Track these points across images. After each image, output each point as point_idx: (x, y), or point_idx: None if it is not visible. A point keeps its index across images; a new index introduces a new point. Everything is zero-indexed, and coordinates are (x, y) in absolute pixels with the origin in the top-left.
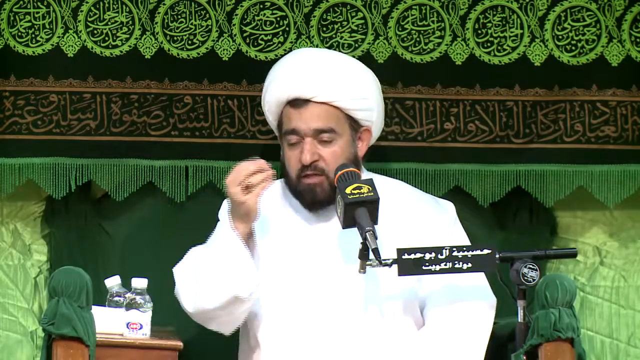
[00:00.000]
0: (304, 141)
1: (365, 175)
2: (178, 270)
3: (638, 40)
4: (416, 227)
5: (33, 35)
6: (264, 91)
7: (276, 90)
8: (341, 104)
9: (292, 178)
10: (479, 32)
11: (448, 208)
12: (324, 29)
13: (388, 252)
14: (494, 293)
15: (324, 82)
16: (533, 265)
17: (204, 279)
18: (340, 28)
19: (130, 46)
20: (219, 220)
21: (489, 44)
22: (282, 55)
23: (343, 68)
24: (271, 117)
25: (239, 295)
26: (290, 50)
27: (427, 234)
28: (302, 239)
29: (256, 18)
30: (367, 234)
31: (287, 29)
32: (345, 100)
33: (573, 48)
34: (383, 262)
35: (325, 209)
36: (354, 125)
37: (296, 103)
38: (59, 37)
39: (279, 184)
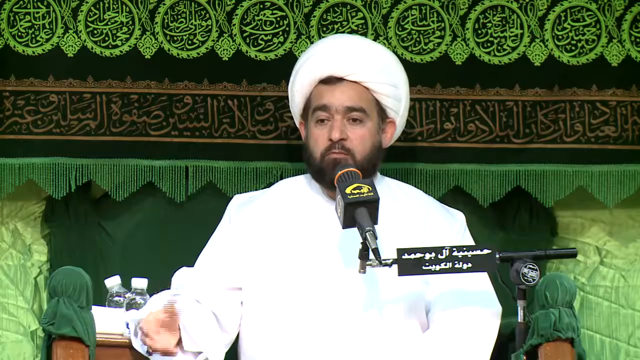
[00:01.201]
0: (333, 119)
1: (379, 178)
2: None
3: (638, 40)
4: (425, 234)
5: (33, 35)
6: (294, 72)
7: (311, 67)
8: (373, 86)
9: (315, 157)
10: (479, 32)
11: (458, 217)
12: (324, 29)
13: (392, 256)
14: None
15: (358, 62)
16: (533, 265)
17: None
18: (340, 28)
19: (130, 46)
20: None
21: (489, 44)
22: (282, 55)
23: (378, 53)
24: (299, 98)
25: None
26: (290, 50)
27: (435, 242)
28: (303, 239)
29: (256, 18)
30: (367, 234)
31: (287, 29)
32: (377, 83)
33: (573, 48)
34: (383, 262)
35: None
36: (382, 114)
37: (329, 80)
38: (59, 37)
39: (292, 180)
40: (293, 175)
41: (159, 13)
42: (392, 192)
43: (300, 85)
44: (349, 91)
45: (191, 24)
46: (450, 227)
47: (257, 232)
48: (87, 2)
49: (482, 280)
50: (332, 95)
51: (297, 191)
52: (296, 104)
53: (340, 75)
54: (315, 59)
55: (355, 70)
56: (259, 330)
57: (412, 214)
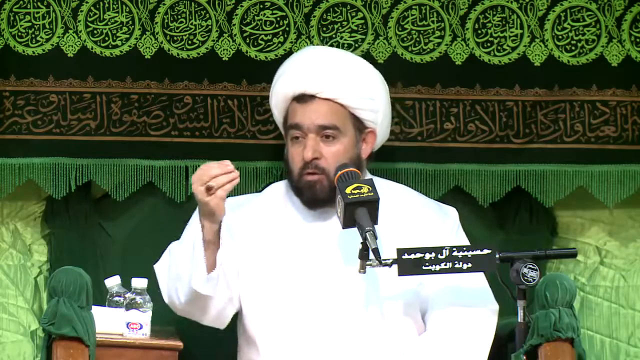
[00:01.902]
0: (307, 137)
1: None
2: (157, 267)
3: (638, 40)
4: (419, 232)
5: (33, 35)
6: (272, 86)
7: (283, 85)
8: (346, 102)
9: (294, 174)
10: (479, 32)
11: (451, 214)
12: (324, 29)
13: (389, 256)
14: (493, 293)
15: (329, 79)
16: (533, 265)
17: (171, 275)
18: (340, 28)
19: (130, 46)
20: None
21: (489, 44)
22: (282, 55)
23: (350, 67)
24: (277, 112)
25: (195, 289)
26: (290, 50)
27: (430, 240)
28: (302, 239)
29: (256, 18)
30: (367, 234)
31: (287, 29)
32: (350, 98)
33: (573, 48)
34: (383, 262)
35: (325, 208)
36: (359, 125)
37: (302, 98)
38: (59, 37)
39: (282, 184)
40: None
41: (159, 13)
42: (383, 192)
43: (276, 102)
44: (321, 109)
45: (191, 24)
46: (444, 224)
47: (252, 235)
48: (87, 2)
49: (478, 279)
50: (303, 114)
51: (293, 193)
52: (276, 117)
53: (311, 92)
54: (287, 76)
55: (325, 88)
56: (259, 329)
57: (405, 213)
